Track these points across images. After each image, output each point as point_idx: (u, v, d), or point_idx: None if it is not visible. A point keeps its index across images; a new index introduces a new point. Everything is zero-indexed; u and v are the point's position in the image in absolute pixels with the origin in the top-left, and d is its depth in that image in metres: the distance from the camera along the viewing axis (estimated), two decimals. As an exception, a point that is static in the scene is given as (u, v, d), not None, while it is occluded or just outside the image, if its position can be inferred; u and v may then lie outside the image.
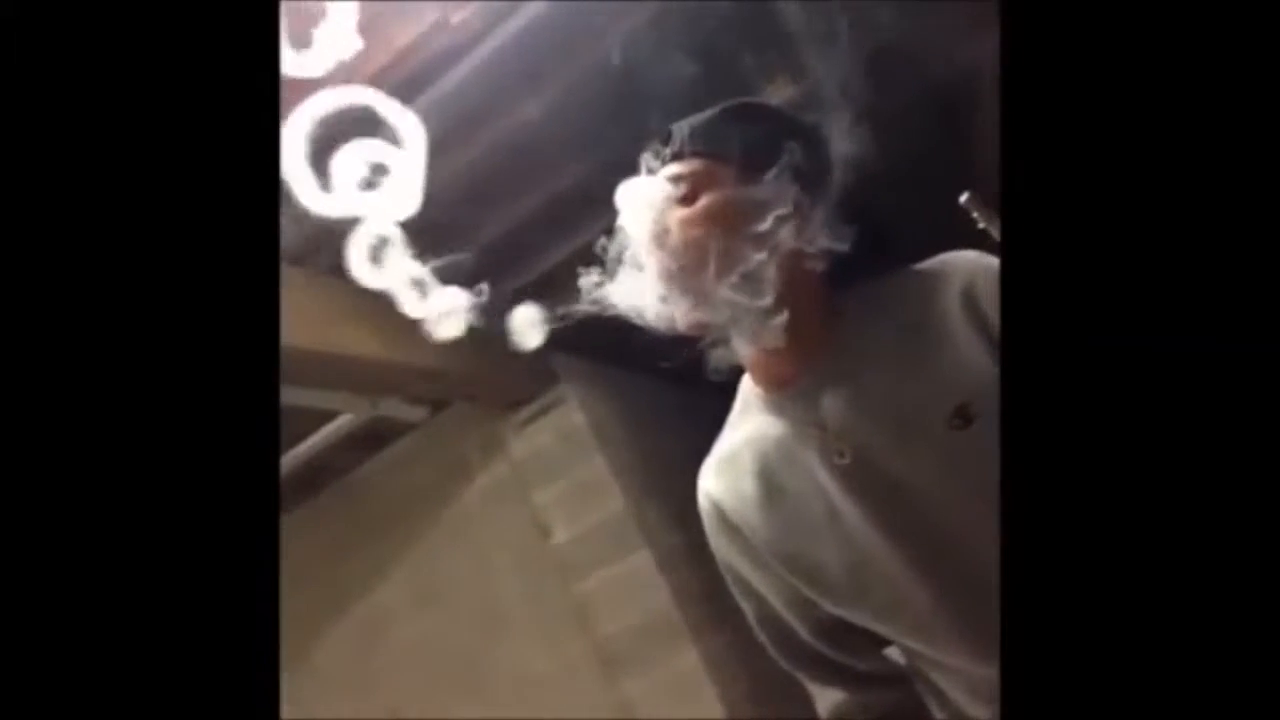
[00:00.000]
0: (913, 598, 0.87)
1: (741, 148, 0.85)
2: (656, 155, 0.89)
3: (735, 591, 1.01)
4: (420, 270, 0.73)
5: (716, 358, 0.89)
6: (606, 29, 1.88)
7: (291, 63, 0.72)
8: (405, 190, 0.70)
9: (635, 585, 2.89)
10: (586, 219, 2.42)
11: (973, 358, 0.84)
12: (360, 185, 0.71)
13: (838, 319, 0.90)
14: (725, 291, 0.81)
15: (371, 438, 3.16)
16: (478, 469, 3.15)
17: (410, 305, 0.73)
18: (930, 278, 0.90)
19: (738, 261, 0.81)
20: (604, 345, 3.37)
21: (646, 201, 0.85)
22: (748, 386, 0.96)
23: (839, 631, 0.96)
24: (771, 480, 0.91)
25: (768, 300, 0.82)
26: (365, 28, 0.75)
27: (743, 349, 0.89)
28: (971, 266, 0.88)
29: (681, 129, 0.88)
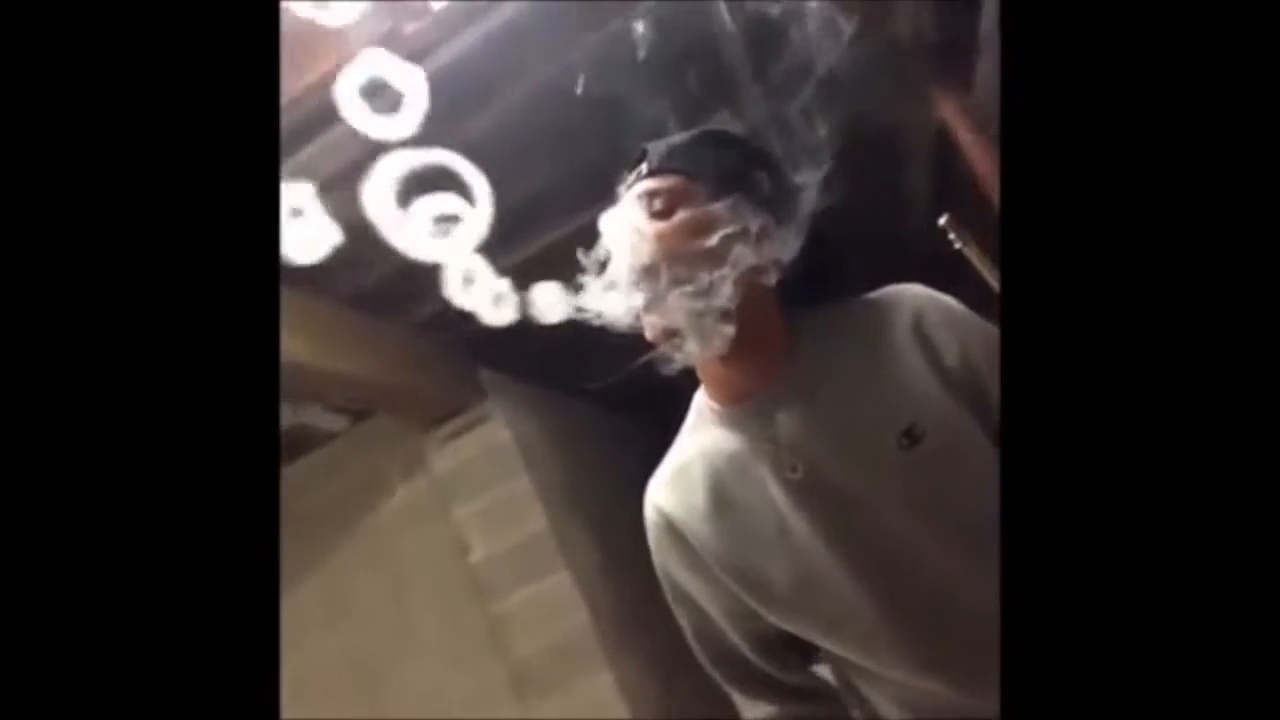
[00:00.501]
0: (859, 612, 0.89)
1: (715, 170, 0.89)
2: (631, 169, 0.92)
3: (674, 605, 1.02)
4: (501, 285, 0.80)
5: (676, 364, 0.91)
6: (560, 47, 1.89)
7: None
8: (472, 234, 0.78)
9: (553, 606, 2.87)
10: (529, 233, 2.43)
11: (921, 382, 0.89)
12: (434, 230, 0.77)
13: (794, 339, 0.93)
14: (688, 300, 0.84)
15: (289, 445, 3.09)
16: (397, 482, 3.10)
17: (490, 317, 0.79)
18: (882, 306, 0.94)
19: (703, 272, 0.84)
20: (533, 364, 3.36)
21: (627, 218, 0.88)
22: (701, 401, 0.98)
23: (776, 646, 0.98)
24: (723, 493, 0.93)
25: (726, 308, 0.85)
26: (318, 33, 0.76)
27: (702, 360, 0.91)
28: (920, 298, 0.93)
29: (659, 148, 0.91)
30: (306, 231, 0.90)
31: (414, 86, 0.73)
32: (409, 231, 0.78)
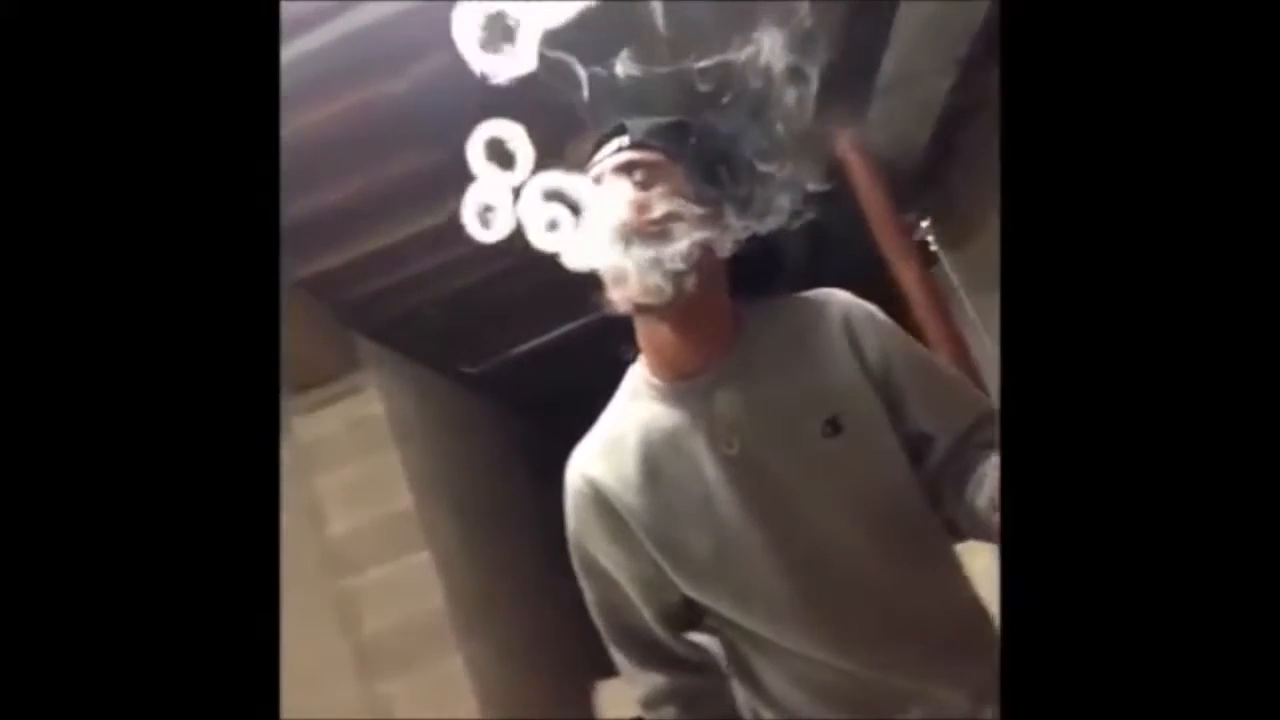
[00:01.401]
0: (773, 585, 0.96)
1: (687, 153, 0.97)
2: (606, 142, 0.99)
3: (583, 576, 1.06)
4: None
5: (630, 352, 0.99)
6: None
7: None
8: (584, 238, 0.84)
9: (408, 586, 2.84)
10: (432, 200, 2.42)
11: (846, 376, 0.98)
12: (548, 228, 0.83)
13: (739, 325, 1.01)
14: (647, 256, 0.89)
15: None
16: (258, 446, 3.00)
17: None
18: (815, 304, 1.04)
19: (667, 239, 0.90)
20: (415, 341, 3.32)
21: (615, 185, 0.94)
22: (640, 378, 1.04)
23: (678, 619, 1.05)
24: (655, 465, 0.99)
25: (678, 269, 0.90)
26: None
27: (654, 338, 0.99)
28: (849, 301, 1.04)
29: (640, 125, 0.98)
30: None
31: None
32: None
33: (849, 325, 1.01)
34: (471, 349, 3.79)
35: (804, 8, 0.82)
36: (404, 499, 2.90)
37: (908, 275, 2.41)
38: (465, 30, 0.74)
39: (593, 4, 0.71)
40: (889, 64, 2.42)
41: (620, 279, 0.92)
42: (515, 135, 0.84)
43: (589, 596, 1.07)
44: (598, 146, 1.00)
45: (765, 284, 1.04)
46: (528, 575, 3.74)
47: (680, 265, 0.89)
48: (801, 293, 1.06)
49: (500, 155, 0.88)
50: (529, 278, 3.39)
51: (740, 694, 1.07)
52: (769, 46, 0.82)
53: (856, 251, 2.50)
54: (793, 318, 1.03)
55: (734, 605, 0.99)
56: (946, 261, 0.74)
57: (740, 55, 0.82)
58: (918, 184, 3.17)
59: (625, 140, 0.98)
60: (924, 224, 0.77)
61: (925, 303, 2.32)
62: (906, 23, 2.25)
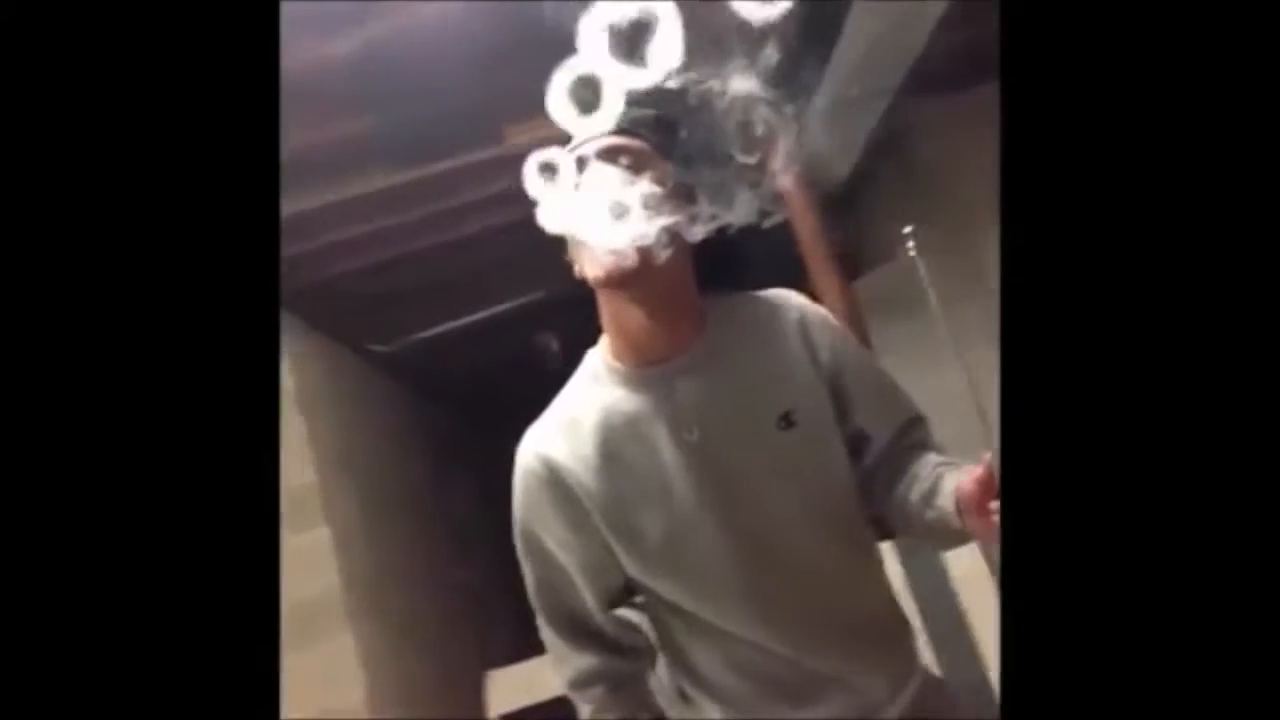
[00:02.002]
0: (720, 570, 1.01)
1: (667, 143, 1.01)
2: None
3: (526, 557, 1.08)
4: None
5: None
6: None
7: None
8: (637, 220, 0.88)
9: (305, 562, 2.78)
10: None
11: (801, 374, 1.04)
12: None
13: (704, 318, 1.06)
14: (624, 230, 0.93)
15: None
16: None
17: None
18: (773, 303, 1.10)
19: (659, 217, 0.94)
20: (326, 314, 3.25)
21: (608, 170, 0.98)
22: (601, 361, 1.07)
23: (616, 602, 1.08)
24: (613, 448, 1.02)
25: (649, 245, 0.94)
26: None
27: (624, 324, 1.02)
28: (804, 303, 1.10)
29: (627, 113, 0.97)
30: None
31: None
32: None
33: (804, 325, 1.07)
34: (384, 327, 3.73)
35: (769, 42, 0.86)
36: (307, 474, 2.84)
37: (832, 289, 2.54)
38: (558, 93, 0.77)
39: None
40: (824, 93, 2.48)
41: (604, 251, 0.95)
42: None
43: (529, 578, 1.09)
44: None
45: (726, 279, 1.09)
46: (425, 561, 3.70)
47: (650, 242, 0.93)
48: (757, 292, 1.11)
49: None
50: (447, 260, 3.37)
51: (665, 671, 1.11)
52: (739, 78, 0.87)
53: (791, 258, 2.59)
54: (752, 314, 1.08)
55: (680, 588, 1.03)
56: (924, 270, 0.78)
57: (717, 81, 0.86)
58: (839, 207, 3.27)
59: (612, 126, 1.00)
60: (906, 230, 0.82)
61: (846, 314, 2.44)
62: (843, 54, 2.31)
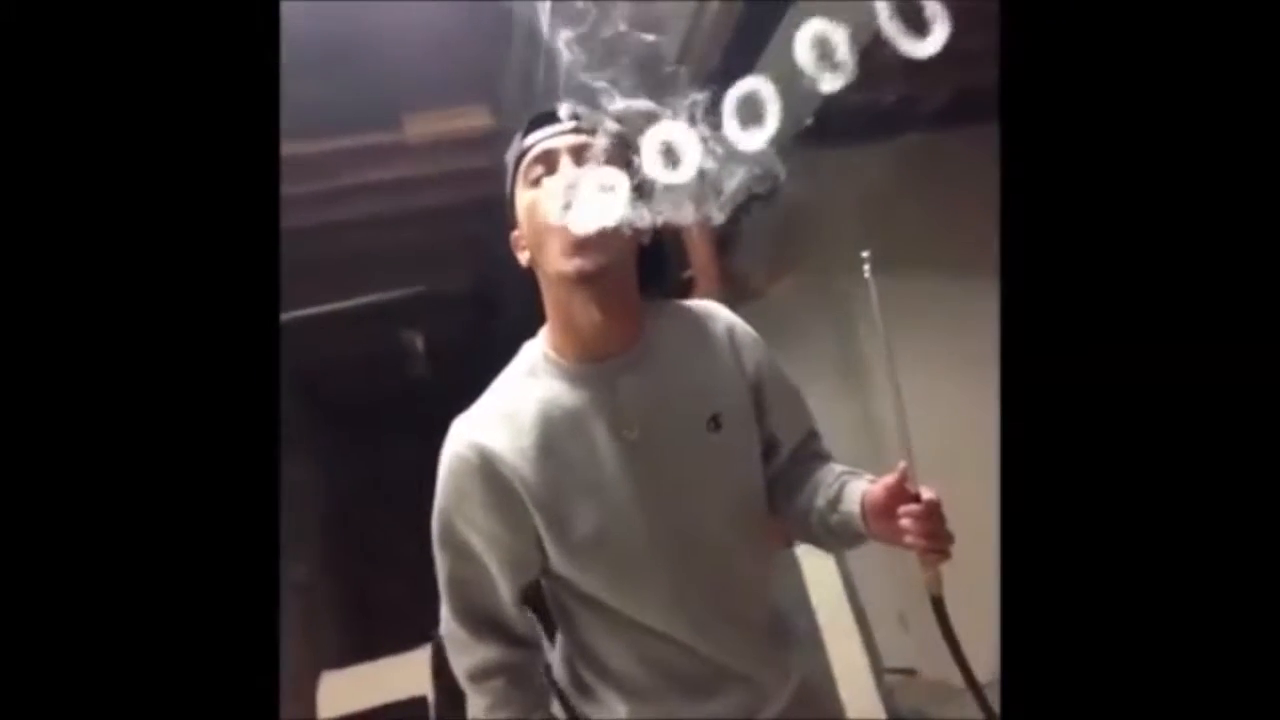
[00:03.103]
0: (646, 565, 1.03)
1: (626, 146, 1.00)
2: (550, 122, 1.03)
3: (442, 548, 1.06)
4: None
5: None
6: None
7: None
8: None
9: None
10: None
11: (728, 379, 1.08)
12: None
13: (646, 318, 1.08)
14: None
15: None
16: None
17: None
18: (705, 311, 1.14)
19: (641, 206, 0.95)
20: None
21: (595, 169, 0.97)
22: (541, 355, 1.07)
23: (528, 598, 1.08)
24: (551, 440, 1.02)
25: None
26: None
27: (572, 321, 1.02)
28: (732, 315, 1.15)
29: (594, 116, 0.99)
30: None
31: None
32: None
33: (733, 335, 1.12)
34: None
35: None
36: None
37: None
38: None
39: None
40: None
41: (575, 244, 0.95)
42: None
43: (443, 569, 1.07)
44: (537, 124, 1.04)
45: (656, 284, 1.12)
46: (261, 554, 3.51)
47: (643, 225, 0.95)
48: (685, 301, 1.16)
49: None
50: (318, 242, 3.25)
51: (561, 665, 1.12)
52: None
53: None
54: (687, 319, 1.12)
55: (603, 581, 1.04)
56: (874, 293, 0.83)
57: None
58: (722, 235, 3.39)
59: (580, 124, 1.02)
60: (864, 254, 0.86)
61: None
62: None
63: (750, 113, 0.83)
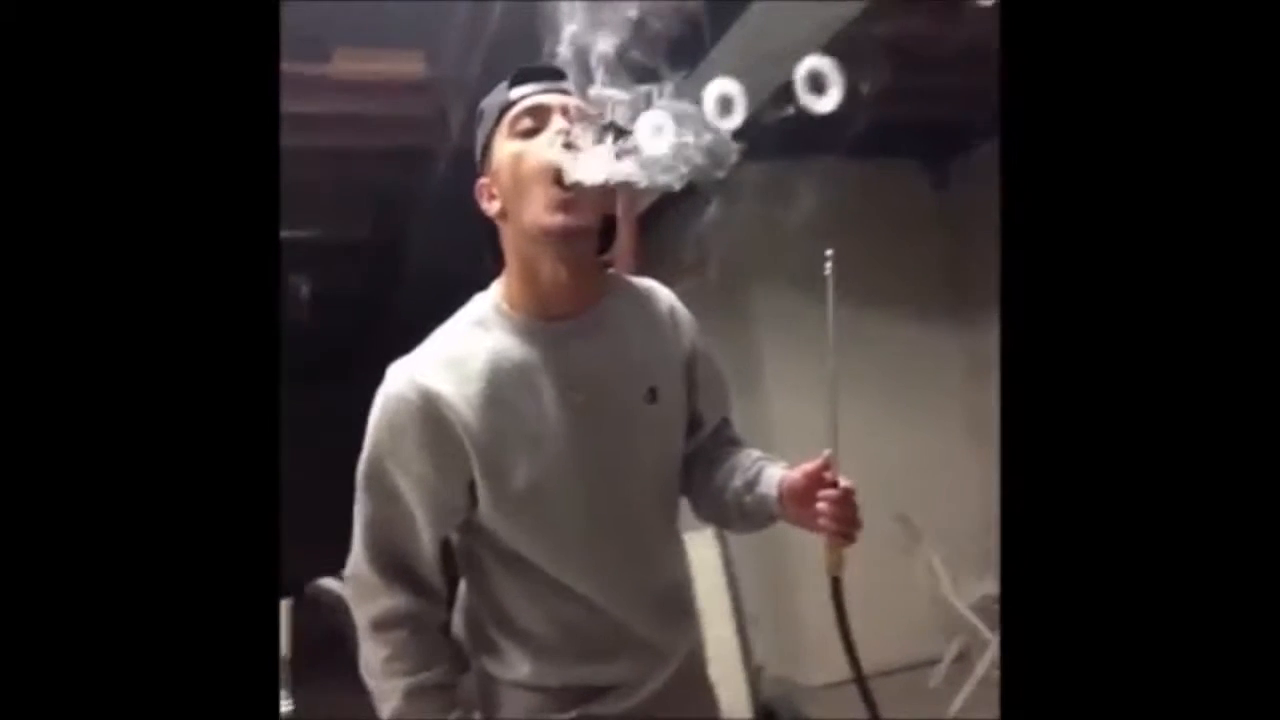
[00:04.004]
0: (572, 522, 1.05)
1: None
2: (544, 78, 1.03)
3: (366, 491, 1.05)
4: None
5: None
6: None
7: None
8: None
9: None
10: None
11: (667, 355, 1.12)
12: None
13: (605, 287, 1.11)
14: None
15: None
16: None
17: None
18: (649, 288, 1.17)
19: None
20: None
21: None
22: (494, 306, 1.06)
23: (445, 546, 1.08)
24: (498, 391, 1.02)
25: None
26: None
27: (543, 278, 1.03)
28: (671, 295, 1.18)
29: (596, 92, 1.00)
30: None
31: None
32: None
33: (674, 313, 1.15)
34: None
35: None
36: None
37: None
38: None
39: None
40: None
41: (559, 201, 0.96)
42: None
43: (364, 511, 1.06)
44: (525, 79, 1.04)
45: (605, 253, 1.14)
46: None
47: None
48: (631, 277, 1.18)
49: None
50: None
51: (463, 623, 1.12)
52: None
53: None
54: (635, 293, 1.15)
55: (528, 535, 1.05)
56: (831, 291, 0.86)
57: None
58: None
59: (568, 85, 1.03)
60: (828, 252, 0.90)
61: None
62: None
63: (724, 107, 0.89)
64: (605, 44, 0.93)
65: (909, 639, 3.49)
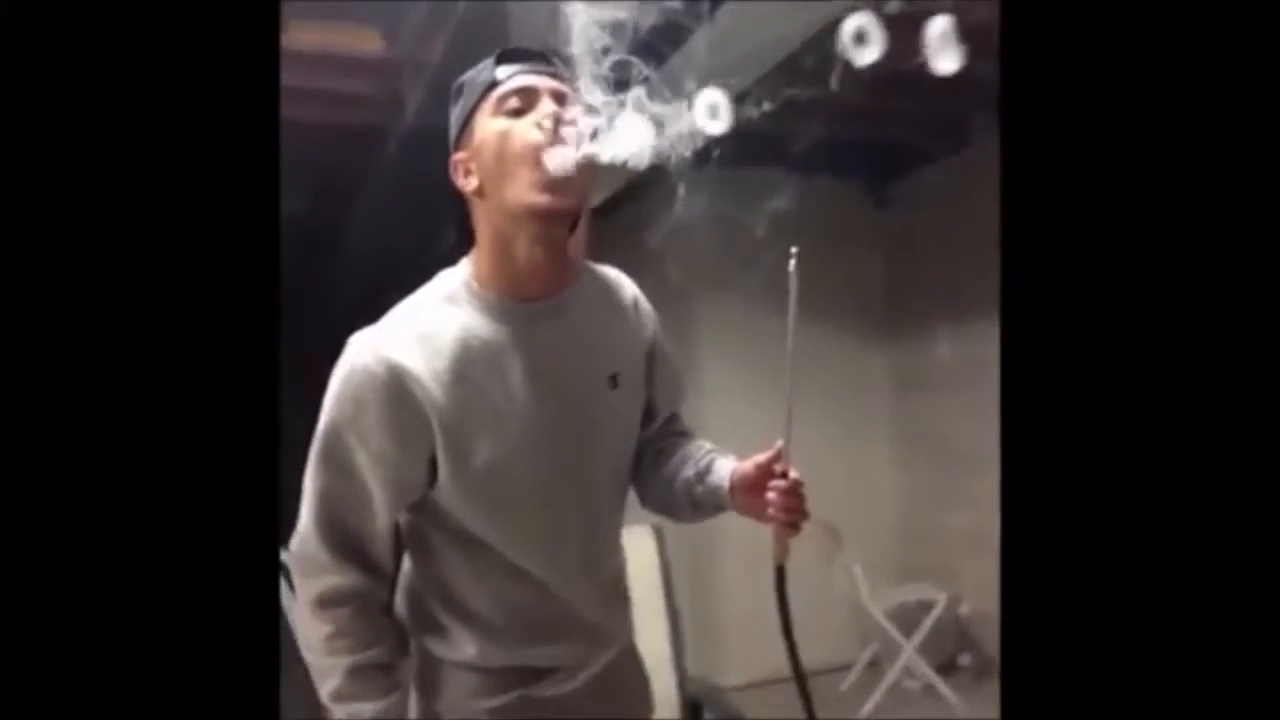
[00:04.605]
0: (529, 503, 1.06)
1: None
2: (530, 59, 1.04)
3: (321, 464, 1.03)
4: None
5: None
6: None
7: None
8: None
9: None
10: None
11: (629, 343, 1.14)
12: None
13: (575, 271, 1.11)
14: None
15: None
16: None
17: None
18: (616, 276, 1.19)
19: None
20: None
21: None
22: (464, 284, 1.05)
23: (397, 530, 1.08)
24: (465, 368, 1.01)
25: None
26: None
27: (519, 258, 1.03)
28: (635, 286, 1.20)
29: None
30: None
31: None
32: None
33: (637, 303, 1.18)
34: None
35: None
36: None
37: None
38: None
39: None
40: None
41: (550, 180, 0.97)
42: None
43: (317, 484, 1.04)
44: (511, 59, 1.04)
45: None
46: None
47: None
48: (595, 265, 1.19)
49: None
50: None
51: (406, 592, 1.12)
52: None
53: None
54: (602, 280, 1.16)
55: (483, 515, 1.05)
56: (794, 286, 0.88)
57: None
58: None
59: (560, 69, 1.04)
60: (793, 250, 0.91)
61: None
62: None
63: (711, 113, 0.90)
64: (579, 39, 0.94)
65: (824, 644, 3.57)
